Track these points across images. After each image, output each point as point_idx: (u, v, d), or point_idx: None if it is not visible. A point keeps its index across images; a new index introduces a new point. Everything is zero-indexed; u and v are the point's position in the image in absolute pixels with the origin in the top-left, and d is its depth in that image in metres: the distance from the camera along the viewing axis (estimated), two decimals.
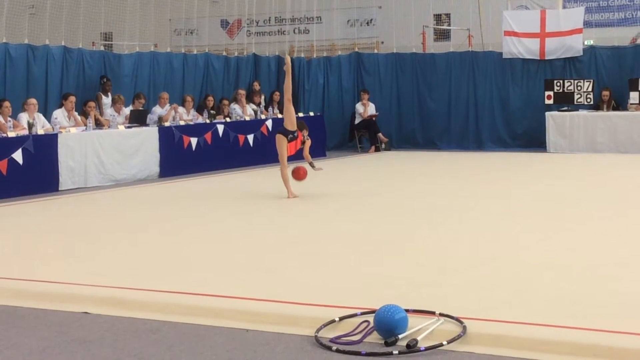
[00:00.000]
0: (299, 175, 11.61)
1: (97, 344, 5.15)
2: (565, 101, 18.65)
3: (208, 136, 15.83)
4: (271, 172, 15.50)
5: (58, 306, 6.02)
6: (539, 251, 7.55)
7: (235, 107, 17.74)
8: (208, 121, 16.34)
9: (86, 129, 13.96)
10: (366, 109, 19.74)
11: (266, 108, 18.63)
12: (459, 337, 4.95)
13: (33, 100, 13.78)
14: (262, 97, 19.12)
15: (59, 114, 14.16)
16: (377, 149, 19.56)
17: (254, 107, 18.27)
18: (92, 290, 6.30)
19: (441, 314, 5.30)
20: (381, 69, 20.64)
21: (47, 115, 14.20)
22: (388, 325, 5.01)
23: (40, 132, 13.17)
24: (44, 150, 12.88)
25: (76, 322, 5.65)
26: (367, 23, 24.37)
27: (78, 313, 5.85)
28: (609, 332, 4.91)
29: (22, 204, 11.75)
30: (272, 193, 12.22)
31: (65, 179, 13.22)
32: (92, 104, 14.91)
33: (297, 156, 12.36)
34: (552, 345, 4.80)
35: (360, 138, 20.01)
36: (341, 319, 5.35)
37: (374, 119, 19.78)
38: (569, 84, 18.65)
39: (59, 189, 13.07)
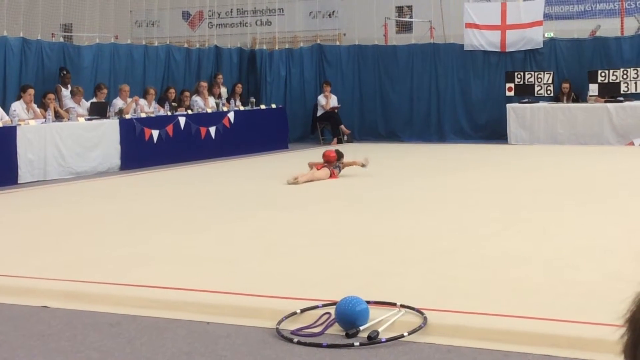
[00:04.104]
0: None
1: (56, 337, 5.11)
2: (525, 93, 18.80)
3: (169, 128, 15.71)
4: (232, 164, 15.49)
5: (16, 300, 5.96)
6: (499, 242, 7.61)
7: (196, 99, 17.63)
8: (169, 113, 16.23)
9: (45, 121, 13.79)
10: (328, 100, 19.74)
11: (228, 100, 18.54)
12: (419, 328, 4.97)
13: None
14: (224, 89, 19.03)
15: (18, 106, 13.99)
16: (339, 141, 19.54)
17: (216, 99, 18.18)
18: (51, 284, 6.24)
19: (402, 306, 5.32)
20: (343, 60, 20.64)
21: (6, 108, 14.01)
22: (349, 317, 5.02)
23: None
24: (2, 143, 12.71)
25: (35, 316, 5.60)
26: (329, 15, 24.38)
27: (37, 307, 5.79)
28: (567, 322, 4.96)
29: None
30: (233, 185, 12.20)
31: (24, 172, 13.06)
32: (51, 96, 14.76)
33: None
34: (512, 335, 4.84)
35: (322, 130, 20.00)
36: (302, 311, 5.35)
37: (336, 110, 19.78)
38: (530, 76, 18.80)
39: (18, 182, 12.91)
